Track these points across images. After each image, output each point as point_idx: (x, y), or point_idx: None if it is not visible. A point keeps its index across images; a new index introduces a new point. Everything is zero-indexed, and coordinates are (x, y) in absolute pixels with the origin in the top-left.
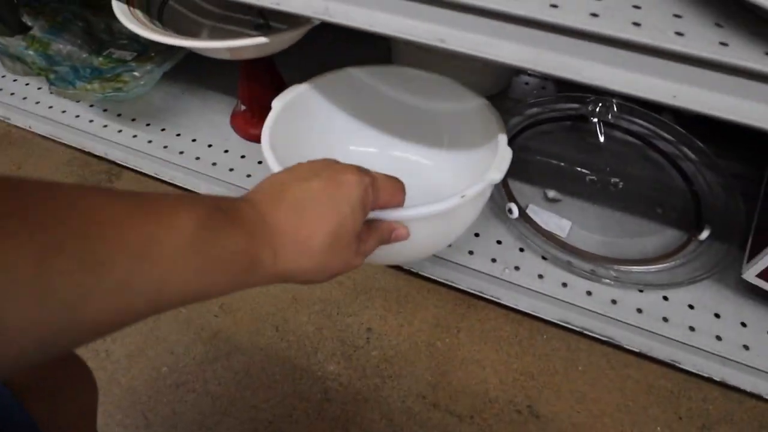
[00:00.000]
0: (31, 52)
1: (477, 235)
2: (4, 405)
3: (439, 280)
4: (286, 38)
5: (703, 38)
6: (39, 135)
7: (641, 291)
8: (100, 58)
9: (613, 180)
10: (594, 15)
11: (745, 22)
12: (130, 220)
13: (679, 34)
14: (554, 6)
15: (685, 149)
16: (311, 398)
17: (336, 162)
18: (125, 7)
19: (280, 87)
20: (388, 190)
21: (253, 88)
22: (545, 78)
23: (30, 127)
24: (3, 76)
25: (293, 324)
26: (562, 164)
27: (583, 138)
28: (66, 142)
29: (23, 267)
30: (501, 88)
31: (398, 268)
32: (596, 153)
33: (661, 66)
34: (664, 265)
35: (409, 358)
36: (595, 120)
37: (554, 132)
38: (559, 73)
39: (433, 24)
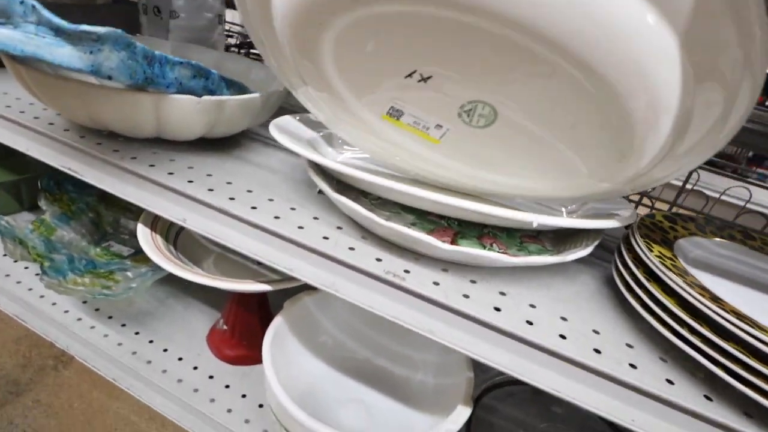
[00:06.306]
0: (33, 236)
1: None
2: None
3: None
4: (288, 285)
5: (652, 374)
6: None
7: None
8: (98, 249)
9: None
10: (562, 336)
11: (684, 356)
12: None
13: (632, 366)
14: (530, 323)
15: None
16: None
17: None
18: (148, 231)
19: (267, 316)
20: None
21: (238, 313)
22: None
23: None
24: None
25: None
26: None
27: (545, 405)
28: (30, 327)
29: None
30: None
31: None
32: (559, 423)
33: (620, 391)
34: None
35: None
36: None
37: (517, 394)
38: (531, 380)
39: (425, 316)
